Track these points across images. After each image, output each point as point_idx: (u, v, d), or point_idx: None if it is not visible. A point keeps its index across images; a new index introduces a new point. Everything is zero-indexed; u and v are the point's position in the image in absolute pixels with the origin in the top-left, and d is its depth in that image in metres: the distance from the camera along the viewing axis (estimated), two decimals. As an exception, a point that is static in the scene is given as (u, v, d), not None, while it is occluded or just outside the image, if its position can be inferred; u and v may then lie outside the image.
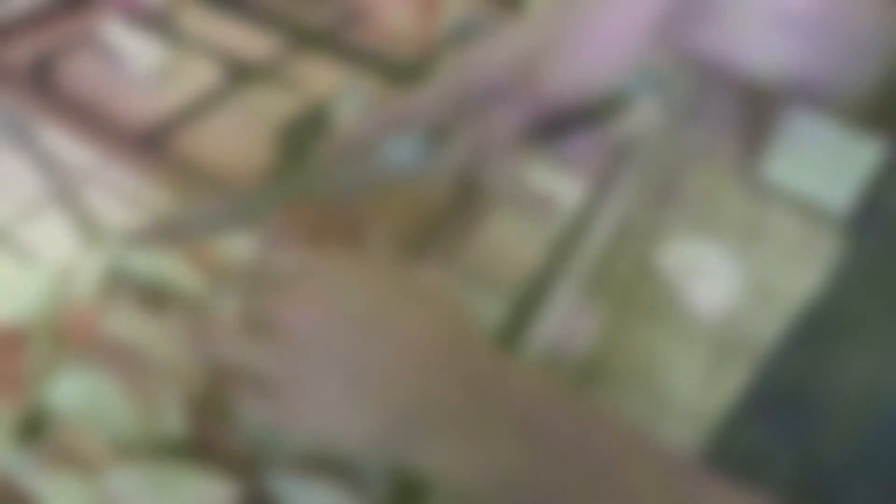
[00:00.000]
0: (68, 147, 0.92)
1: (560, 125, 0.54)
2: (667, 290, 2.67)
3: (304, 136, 0.95)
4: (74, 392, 0.53)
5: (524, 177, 0.59)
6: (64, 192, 0.84)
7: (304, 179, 0.60)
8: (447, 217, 0.85)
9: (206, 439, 0.57)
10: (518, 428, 0.42)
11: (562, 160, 0.57)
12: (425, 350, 0.45)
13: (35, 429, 0.56)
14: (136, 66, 1.03)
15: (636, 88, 0.53)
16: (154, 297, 0.65)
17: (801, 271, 2.81)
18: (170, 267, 0.66)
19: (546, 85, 0.52)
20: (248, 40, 1.20)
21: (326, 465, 0.57)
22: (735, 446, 0.61)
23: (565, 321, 1.29)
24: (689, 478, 0.42)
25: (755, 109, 3.52)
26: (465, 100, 0.55)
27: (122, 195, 0.86)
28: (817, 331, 0.56)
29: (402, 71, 1.11)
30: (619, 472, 0.41)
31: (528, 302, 0.81)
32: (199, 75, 1.08)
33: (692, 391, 2.38)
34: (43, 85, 0.99)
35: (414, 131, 0.57)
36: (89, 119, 0.94)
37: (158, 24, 1.12)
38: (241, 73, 1.05)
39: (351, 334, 0.45)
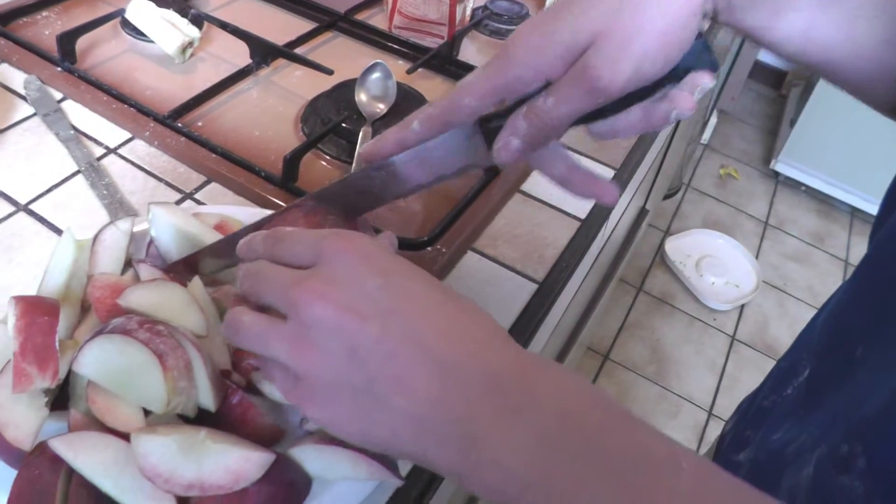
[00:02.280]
0: (96, 123, 0.93)
1: (610, 106, 0.53)
2: (682, 279, 2.67)
3: (330, 112, 0.95)
4: (104, 361, 0.54)
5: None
6: (91, 167, 0.85)
7: (350, 186, 0.59)
8: (469, 202, 0.86)
9: (234, 409, 0.58)
10: (548, 426, 0.40)
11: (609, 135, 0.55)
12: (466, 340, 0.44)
13: (64, 395, 0.57)
14: (163, 43, 1.03)
15: (691, 63, 0.52)
16: (183, 268, 0.66)
17: (816, 264, 2.80)
18: (200, 234, 0.67)
19: (599, 72, 0.49)
20: (276, 20, 1.20)
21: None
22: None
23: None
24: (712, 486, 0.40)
25: (775, 105, 3.49)
26: (512, 89, 0.53)
27: (148, 171, 0.87)
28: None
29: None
30: (649, 474, 0.39)
31: (550, 286, 0.82)
32: (226, 54, 1.09)
33: (705, 381, 2.38)
34: (71, 62, 0.99)
35: (463, 126, 0.56)
36: (116, 96, 0.95)
37: (188, 2, 1.13)
38: (267, 52, 1.06)
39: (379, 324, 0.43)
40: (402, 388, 0.42)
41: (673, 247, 3.06)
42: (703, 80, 0.52)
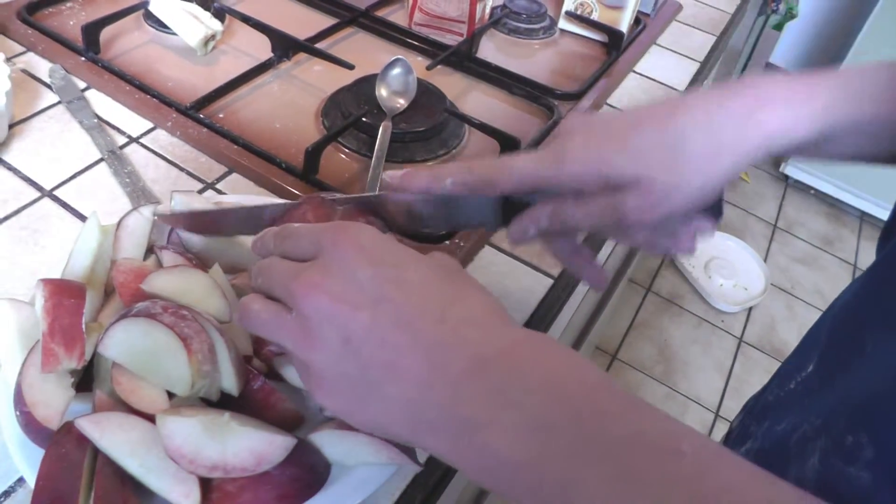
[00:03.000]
0: (118, 112, 0.94)
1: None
2: (691, 281, 2.67)
3: (350, 106, 0.96)
4: (129, 344, 0.55)
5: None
6: (114, 155, 0.86)
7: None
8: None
9: (255, 394, 0.59)
10: (539, 408, 0.40)
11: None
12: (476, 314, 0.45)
13: (89, 377, 0.58)
14: (186, 36, 1.05)
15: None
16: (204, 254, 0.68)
17: (824, 268, 2.80)
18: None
19: (631, 213, 0.53)
20: (298, 15, 1.21)
21: None
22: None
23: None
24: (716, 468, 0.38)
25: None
26: (548, 187, 0.56)
27: (169, 160, 0.88)
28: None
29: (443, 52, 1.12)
30: (651, 456, 0.38)
31: (565, 281, 0.82)
32: (247, 47, 1.10)
33: (712, 383, 2.39)
34: (95, 52, 1.01)
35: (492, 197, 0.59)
36: (139, 86, 0.96)
37: (207, -3, 1.14)
38: (289, 47, 1.07)
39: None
40: (394, 374, 0.43)
41: (683, 248, 3.05)
42: (705, 228, 0.57)
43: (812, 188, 3.46)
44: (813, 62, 3.92)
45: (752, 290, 2.93)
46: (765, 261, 3.10)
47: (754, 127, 0.52)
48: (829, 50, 3.76)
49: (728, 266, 2.99)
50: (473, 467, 0.41)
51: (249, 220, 0.65)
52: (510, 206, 0.58)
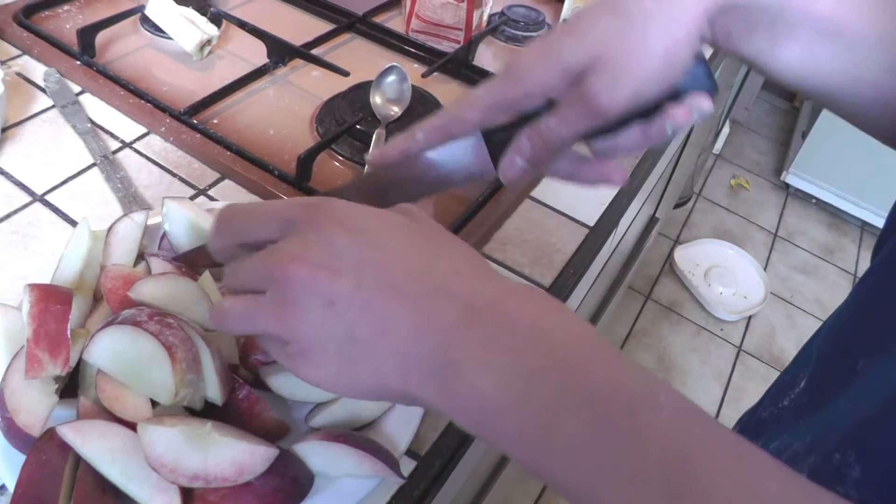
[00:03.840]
0: (112, 117, 0.94)
1: (614, 125, 0.54)
2: (691, 289, 2.67)
3: (345, 113, 0.96)
4: (114, 351, 0.55)
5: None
6: (107, 160, 0.86)
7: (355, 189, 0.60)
8: (480, 206, 0.87)
9: (241, 403, 0.59)
10: (526, 355, 0.40)
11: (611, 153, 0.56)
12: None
13: (73, 383, 0.58)
14: (182, 40, 1.05)
15: (691, 85, 0.53)
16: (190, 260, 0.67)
17: (825, 277, 2.80)
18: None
19: (599, 96, 0.50)
20: (295, 21, 1.21)
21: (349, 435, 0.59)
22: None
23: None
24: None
25: (787, 116, 3.49)
26: (515, 105, 0.54)
27: (162, 165, 0.88)
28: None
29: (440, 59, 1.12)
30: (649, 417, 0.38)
31: (557, 291, 0.82)
32: (243, 52, 1.10)
33: (710, 391, 2.39)
34: (90, 56, 1.01)
35: (467, 138, 0.57)
36: (133, 91, 0.96)
37: (207, 1, 1.14)
38: (284, 52, 1.07)
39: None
40: (382, 329, 0.42)
41: (682, 256, 3.06)
42: (702, 103, 0.53)
43: (813, 197, 3.46)
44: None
45: (752, 299, 2.93)
46: (765, 269, 3.10)
47: None
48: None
49: (728, 274, 2.99)
50: (459, 409, 0.42)
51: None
52: (494, 147, 0.57)
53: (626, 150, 0.56)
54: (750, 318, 2.90)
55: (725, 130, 3.64)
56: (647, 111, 0.53)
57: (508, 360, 0.40)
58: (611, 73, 0.50)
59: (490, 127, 0.57)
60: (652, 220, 2.04)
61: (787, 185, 3.52)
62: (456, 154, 0.58)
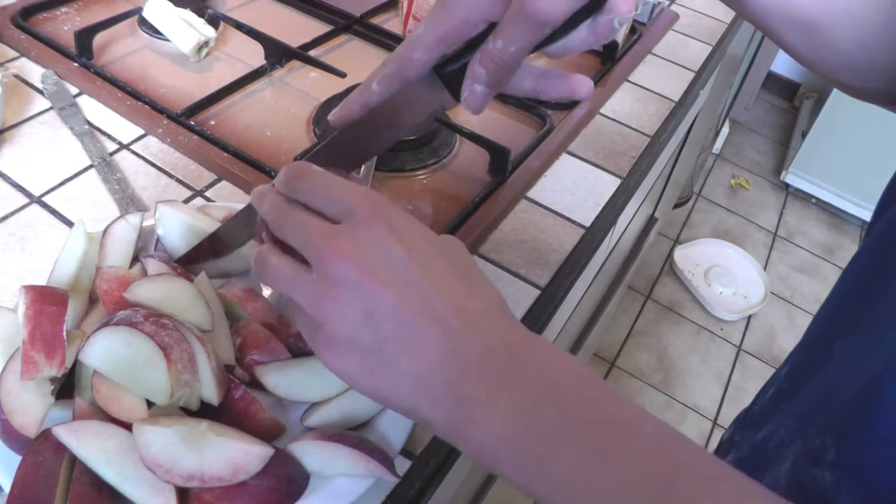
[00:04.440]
0: (110, 119, 0.94)
1: (561, 30, 0.54)
2: (691, 289, 2.68)
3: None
4: (110, 352, 0.55)
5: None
6: (104, 162, 0.86)
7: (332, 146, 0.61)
8: (476, 207, 0.87)
9: (236, 403, 0.59)
10: (529, 395, 0.43)
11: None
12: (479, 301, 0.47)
13: (70, 384, 0.58)
14: (179, 42, 1.05)
15: None
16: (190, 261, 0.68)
17: (825, 277, 2.80)
18: (209, 228, 0.68)
19: (539, 5, 0.49)
20: (293, 22, 1.22)
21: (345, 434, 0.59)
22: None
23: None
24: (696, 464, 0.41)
25: (787, 116, 3.49)
26: (458, 35, 0.55)
27: (159, 167, 0.88)
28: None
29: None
30: (635, 447, 0.41)
31: (553, 292, 0.82)
32: (241, 54, 1.10)
33: (711, 391, 2.39)
34: (87, 58, 1.01)
35: (421, 78, 0.58)
36: (130, 93, 0.96)
37: (205, 2, 1.14)
38: (282, 54, 1.07)
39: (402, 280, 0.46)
40: (410, 351, 0.45)
41: (682, 256, 3.06)
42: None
43: (813, 197, 3.46)
44: (815, 71, 3.92)
45: (752, 299, 2.93)
46: (765, 269, 3.10)
47: None
48: (832, 58, 3.76)
49: (728, 274, 2.99)
50: (463, 438, 0.45)
51: (246, 223, 0.65)
52: (449, 79, 0.58)
53: (579, 49, 0.56)
54: (750, 317, 2.90)
55: (725, 130, 3.64)
56: (591, 9, 0.53)
57: (512, 397, 0.43)
58: None
59: (440, 62, 0.57)
60: (651, 220, 2.05)
61: (787, 185, 3.52)
62: (414, 94, 0.59)
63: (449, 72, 0.57)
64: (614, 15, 0.52)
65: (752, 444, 0.60)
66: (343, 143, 0.61)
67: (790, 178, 3.45)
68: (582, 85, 0.60)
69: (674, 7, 1.51)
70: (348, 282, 0.45)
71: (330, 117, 0.60)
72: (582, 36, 0.54)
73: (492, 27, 0.53)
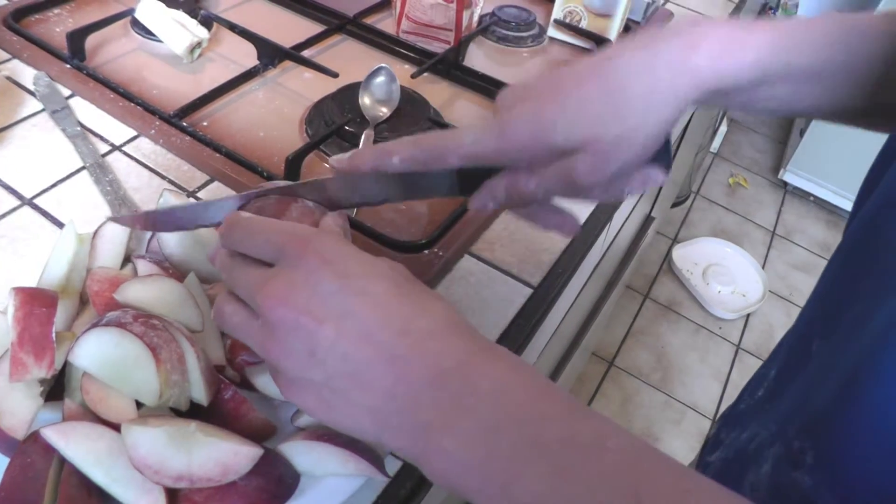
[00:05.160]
0: (102, 120, 0.94)
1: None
2: (689, 287, 2.67)
3: (334, 114, 0.97)
4: (99, 353, 0.55)
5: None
6: (96, 164, 0.86)
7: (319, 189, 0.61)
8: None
9: (226, 404, 0.59)
10: (488, 416, 0.43)
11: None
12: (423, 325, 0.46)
13: (60, 386, 0.58)
14: (172, 43, 1.05)
15: (652, 157, 0.56)
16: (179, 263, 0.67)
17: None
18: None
19: (582, 175, 0.53)
20: (286, 22, 1.22)
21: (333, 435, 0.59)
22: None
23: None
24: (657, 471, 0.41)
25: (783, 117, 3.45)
26: (497, 163, 0.57)
27: (152, 168, 0.88)
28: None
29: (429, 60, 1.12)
30: (589, 463, 0.41)
31: (546, 291, 0.82)
32: (234, 55, 1.10)
33: (709, 390, 2.39)
34: (80, 60, 1.01)
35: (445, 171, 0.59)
36: (123, 94, 0.96)
37: (198, 3, 1.14)
38: (274, 54, 1.07)
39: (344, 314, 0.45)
40: (359, 383, 0.45)
41: (680, 255, 3.06)
42: (658, 177, 0.57)
43: (811, 195, 3.46)
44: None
45: (751, 297, 2.93)
46: (763, 268, 3.10)
47: (688, 72, 0.52)
48: (829, 56, 3.75)
49: (726, 273, 2.99)
50: (429, 466, 0.44)
51: (205, 213, 0.63)
52: (464, 178, 0.58)
53: (591, 198, 0.60)
54: (748, 316, 2.90)
55: (723, 129, 3.63)
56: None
57: (471, 421, 0.43)
58: (598, 157, 0.53)
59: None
60: (648, 219, 2.04)
61: (786, 183, 3.52)
62: (426, 177, 0.59)
63: (467, 172, 0.58)
64: (627, 188, 0.57)
65: (735, 445, 0.60)
66: (335, 188, 0.60)
67: (788, 176, 3.45)
68: (569, 225, 0.62)
69: (668, 5, 1.51)
70: (286, 324, 0.46)
71: (334, 162, 0.59)
72: (594, 193, 0.58)
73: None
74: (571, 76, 0.54)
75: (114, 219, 0.64)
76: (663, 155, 0.57)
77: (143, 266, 0.66)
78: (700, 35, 0.53)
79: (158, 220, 0.62)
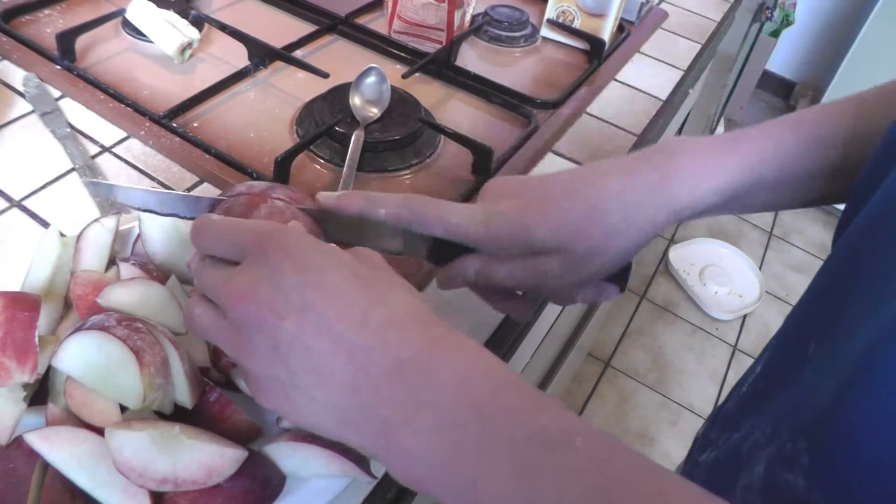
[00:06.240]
0: (92, 121, 0.94)
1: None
2: (686, 288, 2.67)
3: (325, 115, 0.96)
4: (82, 357, 0.55)
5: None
6: (86, 165, 0.85)
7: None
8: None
9: (211, 406, 0.59)
10: (449, 411, 0.42)
11: None
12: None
13: (44, 390, 0.58)
14: (163, 44, 1.04)
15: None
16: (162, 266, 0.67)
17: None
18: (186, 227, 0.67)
19: (553, 278, 0.60)
20: (278, 23, 1.21)
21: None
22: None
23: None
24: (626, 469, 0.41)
25: (780, 114, 3.49)
26: (478, 246, 0.61)
27: (142, 170, 0.88)
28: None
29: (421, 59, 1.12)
30: (550, 461, 0.40)
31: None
32: (225, 55, 1.10)
33: (706, 390, 2.39)
34: (70, 61, 1.01)
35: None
36: (113, 95, 0.96)
37: (189, 4, 1.14)
38: (265, 55, 1.07)
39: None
40: (320, 378, 0.45)
41: (677, 255, 3.06)
42: (611, 293, 0.64)
43: (808, 195, 3.45)
44: (811, 68, 3.92)
45: (747, 298, 2.93)
46: (760, 268, 3.10)
47: (662, 201, 0.59)
48: (827, 56, 3.76)
49: (723, 273, 2.99)
50: (394, 465, 0.44)
51: (186, 204, 0.63)
52: (443, 244, 0.61)
53: (540, 296, 0.67)
54: (745, 316, 2.90)
55: (720, 129, 3.63)
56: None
57: (433, 416, 0.42)
58: (569, 263, 0.59)
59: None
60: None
61: (782, 183, 3.51)
62: (405, 239, 0.61)
63: (444, 242, 0.60)
64: (581, 296, 0.65)
65: (727, 446, 0.59)
66: (318, 218, 0.61)
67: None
68: (523, 310, 0.68)
69: (663, 5, 1.51)
70: (250, 321, 0.46)
71: (321, 198, 0.61)
72: (557, 294, 0.65)
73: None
74: (558, 188, 0.60)
75: (90, 182, 0.65)
76: (624, 273, 0.63)
77: (127, 269, 0.65)
78: (676, 168, 0.60)
79: (132, 194, 0.63)
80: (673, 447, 2.39)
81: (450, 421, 0.42)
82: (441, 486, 0.42)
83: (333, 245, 0.50)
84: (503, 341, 0.77)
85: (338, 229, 0.61)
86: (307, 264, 0.46)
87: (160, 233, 0.68)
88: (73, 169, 0.86)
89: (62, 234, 0.65)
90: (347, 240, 0.61)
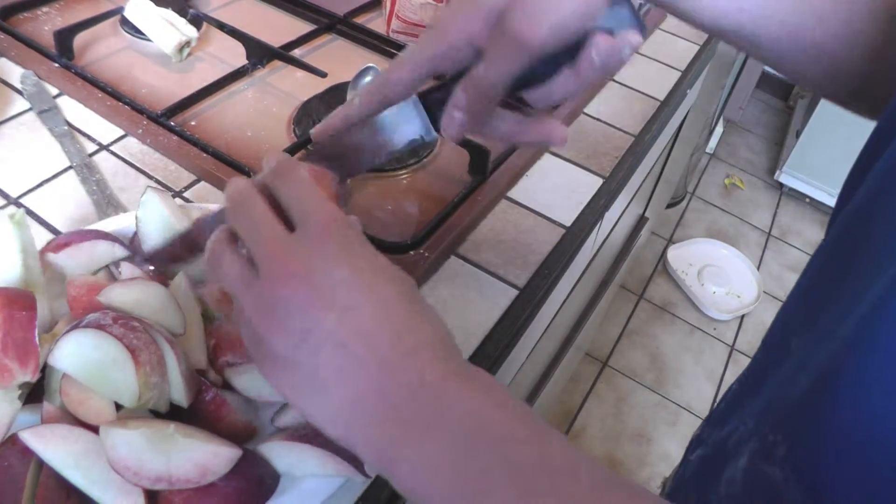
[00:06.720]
0: (90, 119, 0.94)
1: (540, 69, 0.54)
2: (684, 288, 2.67)
3: (322, 114, 0.96)
4: (79, 355, 0.55)
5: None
6: (83, 163, 0.86)
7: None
8: (455, 207, 0.87)
9: (207, 406, 0.59)
10: (458, 438, 0.42)
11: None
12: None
13: (39, 388, 0.58)
14: (161, 42, 1.05)
15: (615, 25, 0.53)
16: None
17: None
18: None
19: (520, 28, 0.50)
20: (276, 22, 1.21)
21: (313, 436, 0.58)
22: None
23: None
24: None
25: (781, 115, 3.49)
26: (445, 59, 0.56)
27: (139, 168, 0.88)
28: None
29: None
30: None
31: (532, 292, 0.82)
32: (223, 54, 1.10)
33: (703, 391, 2.39)
34: (68, 59, 1.01)
35: (405, 102, 0.59)
36: (111, 93, 0.96)
37: (188, 2, 1.14)
38: (263, 54, 1.07)
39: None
40: (343, 379, 0.44)
41: (675, 255, 3.06)
42: (630, 37, 0.52)
43: (807, 196, 3.46)
44: (809, 69, 3.91)
45: (745, 298, 2.93)
46: (758, 269, 3.10)
47: None
48: (825, 57, 3.75)
49: (721, 274, 2.99)
50: (398, 477, 0.44)
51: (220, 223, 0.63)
52: (433, 107, 0.58)
53: (562, 94, 0.56)
54: (743, 317, 2.90)
55: (719, 129, 3.64)
56: (573, 52, 0.53)
57: (439, 442, 0.43)
58: (528, 5, 0.50)
59: (426, 89, 0.58)
60: (641, 220, 2.04)
61: (781, 185, 3.52)
62: (396, 118, 0.59)
63: (433, 98, 0.58)
64: (595, 50, 0.52)
65: (715, 442, 0.59)
66: (319, 157, 0.60)
67: (784, 177, 3.45)
68: (557, 131, 0.60)
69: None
70: (290, 301, 0.44)
71: (312, 131, 0.60)
72: (564, 78, 0.54)
73: (479, 57, 0.54)
74: None
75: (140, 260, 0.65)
76: (628, 18, 0.53)
77: (128, 269, 0.65)
78: None
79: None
80: (671, 447, 2.39)
81: (456, 447, 0.42)
82: (443, 501, 0.42)
83: (388, 261, 0.49)
84: (497, 343, 0.77)
85: (343, 157, 0.60)
86: (362, 266, 0.46)
87: (158, 232, 0.68)
88: (70, 167, 0.86)
89: (11, 216, 0.64)
90: (356, 166, 0.61)
